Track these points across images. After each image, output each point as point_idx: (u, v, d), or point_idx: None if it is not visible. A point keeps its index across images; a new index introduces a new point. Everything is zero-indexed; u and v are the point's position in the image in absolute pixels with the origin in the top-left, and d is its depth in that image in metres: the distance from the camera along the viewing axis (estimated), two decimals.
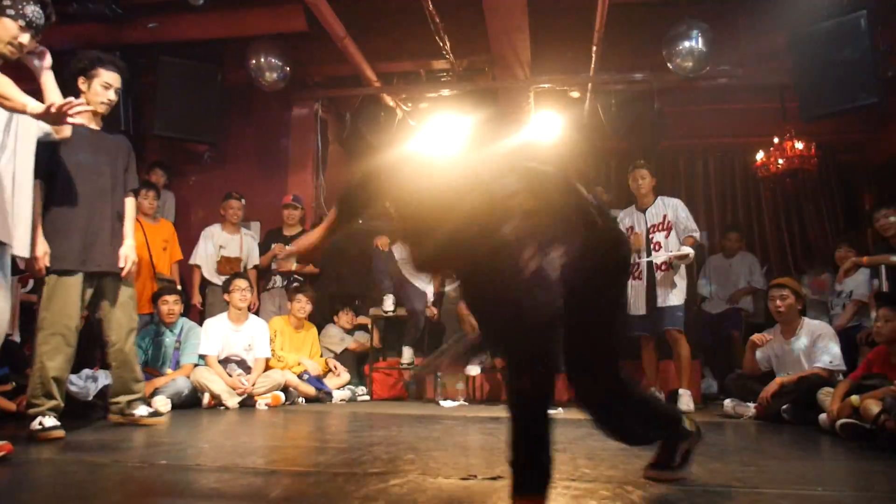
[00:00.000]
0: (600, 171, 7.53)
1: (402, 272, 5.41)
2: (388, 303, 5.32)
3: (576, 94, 6.46)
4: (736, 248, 6.12)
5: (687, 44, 5.34)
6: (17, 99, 2.40)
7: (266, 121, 6.65)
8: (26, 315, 5.12)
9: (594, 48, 5.35)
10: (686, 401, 4.46)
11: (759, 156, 6.26)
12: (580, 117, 6.56)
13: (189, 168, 6.52)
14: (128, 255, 3.32)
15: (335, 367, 5.25)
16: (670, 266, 4.66)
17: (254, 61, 5.72)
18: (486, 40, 5.41)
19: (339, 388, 5.19)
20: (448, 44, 5.53)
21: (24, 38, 2.51)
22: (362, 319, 5.75)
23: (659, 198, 4.89)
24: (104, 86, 3.24)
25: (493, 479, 2.05)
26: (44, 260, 3.01)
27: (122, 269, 3.30)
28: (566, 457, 2.51)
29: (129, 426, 3.35)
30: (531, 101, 6.41)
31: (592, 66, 5.65)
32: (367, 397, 5.38)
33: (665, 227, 4.76)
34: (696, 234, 4.77)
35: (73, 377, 4.07)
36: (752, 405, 4.09)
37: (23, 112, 2.44)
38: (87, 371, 4.16)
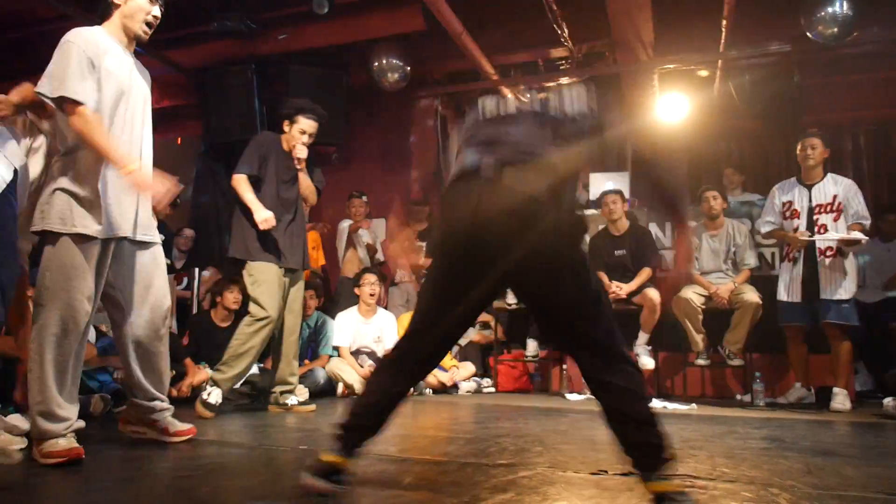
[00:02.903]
0: (732, 153, 7.09)
1: None
2: (511, 296, 5.31)
3: (704, 73, 6.11)
4: None
5: (830, 9, 4.87)
6: (112, 153, 2.31)
7: (389, 120, 6.86)
8: (181, 311, 5.67)
9: (724, 22, 5.02)
10: (841, 400, 4.09)
11: None
12: (710, 97, 6.20)
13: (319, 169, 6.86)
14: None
15: (457, 367, 5.31)
16: (838, 252, 4.17)
17: (376, 63, 5.91)
18: (605, 23, 5.24)
19: (465, 380, 5.26)
20: (566, 30, 5.42)
21: (156, 10, 2.52)
22: (485, 316, 5.77)
23: (829, 174, 4.36)
24: (300, 131, 3.77)
25: (625, 475, 2.00)
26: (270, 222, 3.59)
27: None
28: (703, 455, 2.39)
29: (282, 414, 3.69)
30: (656, 84, 6.14)
31: (722, 41, 5.31)
32: (493, 389, 5.41)
33: (835, 208, 4.23)
34: (867, 223, 4.20)
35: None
36: None
37: (115, 166, 2.33)
38: None
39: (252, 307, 3.64)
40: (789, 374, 4.64)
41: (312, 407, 3.83)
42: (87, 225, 2.32)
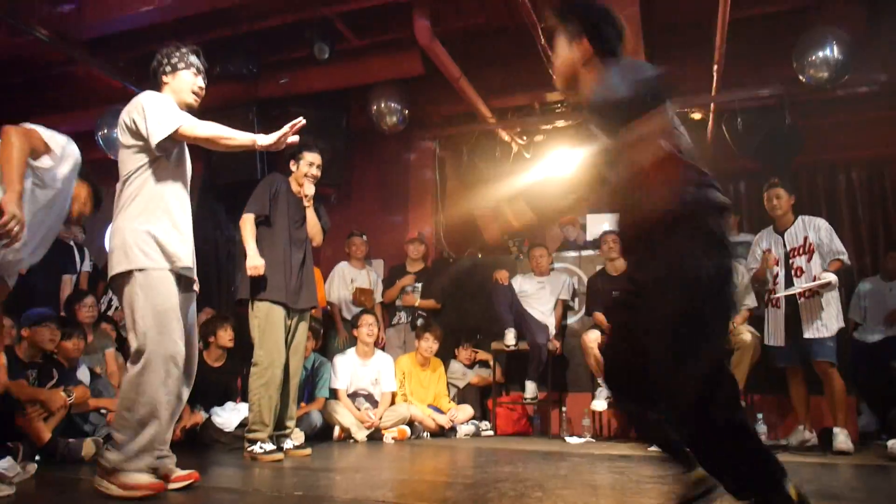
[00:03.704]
0: (728, 194, 7.15)
1: (523, 305, 5.37)
2: (510, 337, 5.28)
3: (697, 116, 6.20)
4: None
5: (821, 53, 4.97)
6: (241, 137, 2.57)
7: (387, 161, 6.92)
8: None
9: (715, 66, 5.13)
10: (843, 440, 4.04)
11: None
12: (704, 139, 6.28)
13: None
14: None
15: (455, 409, 5.24)
16: (815, 293, 4.26)
17: (375, 107, 6.00)
18: None
19: (463, 423, 5.19)
20: None
21: (200, 81, 2.76)
22: (483, 355, 5.73)
23: (799, 218, 4.49)
24: (309, 164, 3.91)
25: None
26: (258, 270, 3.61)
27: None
28: None
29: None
30: None
31: (714, 84, 5.41)
32: (491, 432, 5.33)
33: (807, 249, 4.36)
34: (844, 257, 4.31)
35: (217, 409, 4.38)
36: None
37: (252, 148, 2.59)
38: (230, 403, 4.46)
39: (256, 353, 3.63)
40: (792, 415, 4.59)
41: (308, 451, 3.77)
42: (167, 261, 2.47)
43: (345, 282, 5.75)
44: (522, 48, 5.50)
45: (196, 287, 2.70)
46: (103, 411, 3.75)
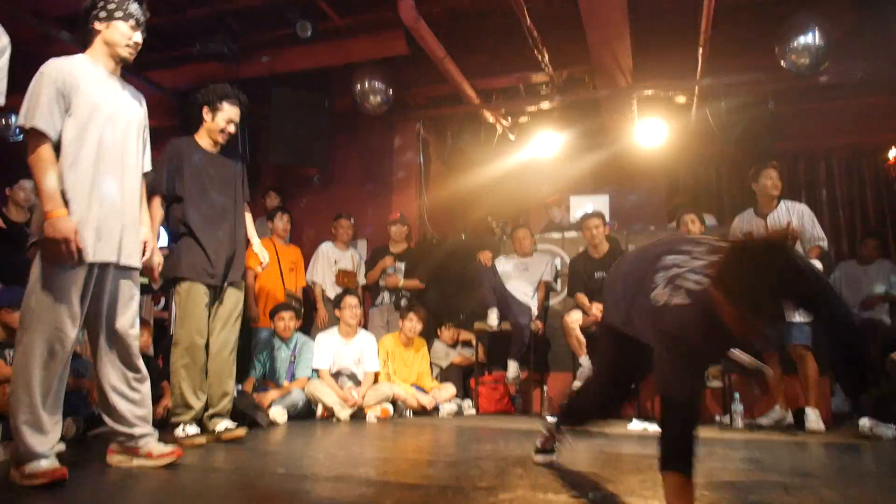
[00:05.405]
0: (710, 179, 7.22)
1: (506, 286, 5.40)
2: (493, 317, 5.31)
3: (682, 100, 6.24)
4: (875, 255, 5.63)
5: (803, 39, 5.00)
6: (44, 184, 2.28)
7: (370, 143, 6.89)
8: (158, 332, 5.59)
9: (700, 51, 5.15)
10: (814, 419, 4.13)
11: (892, 154, 5.79)
12: (687, 123, 6.32)
13: (300, 191, 6.87)
14: (258, 252, 3.63)
15: (438, 389, 5.28)
16: None
17: (358, 87, 5.95)
18: (585, 50, 5.34)
19: (445, 402, 5.24)
20: (547, 56, 5.51)
21: (138, 36, 2.51)
22: (466, 335, 5.78)
23: (782, 202, 4.51)
24: (227, 120, 3.46)
25: (606, 496, 1.99)
26: (158, 270, 3.09)
27: (260, 266, 3.66)
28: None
29: (262, 436, 3.56)
30: (634, 110, 6.25)
31: (699, 69, 5.44)
32: (474, 411, 5.38)
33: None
34: (823, 244, 4.33)
35: None
36: (893, 426, 3.73)
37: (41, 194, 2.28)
38: None
39: (176, 333, 3.37)
40: (768, 394, 4.68)
41: (242, 431, 3.39)
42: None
43: (329, 263, 5.74)
44: (507, 30, 5.49)
45: (132, 262, 2.53)
46: (84, 392, 3.72)
